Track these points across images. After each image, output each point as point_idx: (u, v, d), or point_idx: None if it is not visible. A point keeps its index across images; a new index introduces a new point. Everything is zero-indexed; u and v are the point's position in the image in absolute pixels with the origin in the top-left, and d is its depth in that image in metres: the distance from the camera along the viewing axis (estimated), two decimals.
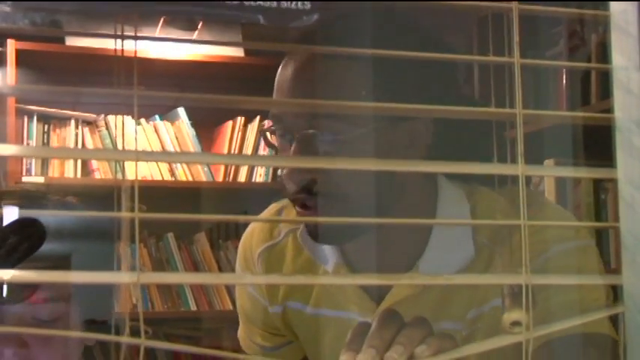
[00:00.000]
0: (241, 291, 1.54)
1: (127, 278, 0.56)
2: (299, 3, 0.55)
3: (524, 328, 0.63)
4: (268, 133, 1.27)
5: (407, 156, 1.22)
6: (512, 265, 1.21)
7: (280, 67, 1.26)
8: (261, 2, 0.54)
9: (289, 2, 0.55)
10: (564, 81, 3.18)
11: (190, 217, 0.62)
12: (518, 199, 1.24)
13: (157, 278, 0.62)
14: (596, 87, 3.02)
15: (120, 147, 3.71)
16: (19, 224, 1.17)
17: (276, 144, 1.26)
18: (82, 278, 0.61)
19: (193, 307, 4.03)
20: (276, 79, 1.26)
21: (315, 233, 1.25)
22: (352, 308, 1.35)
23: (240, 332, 1.58)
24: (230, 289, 4.02)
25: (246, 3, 0.55)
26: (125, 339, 0.58)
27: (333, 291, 1.37)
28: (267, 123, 1.28)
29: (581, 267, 1.22)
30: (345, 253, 1.34)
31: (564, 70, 3.14)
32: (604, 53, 2.96)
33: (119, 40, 0.61)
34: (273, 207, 1.48)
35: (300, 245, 1.40)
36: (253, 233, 1.48)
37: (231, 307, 3.93)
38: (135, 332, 0.59)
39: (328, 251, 1.35)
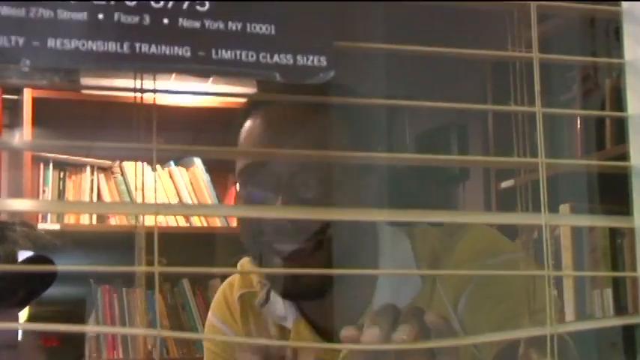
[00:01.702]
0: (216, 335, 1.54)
1: (148, 333, 0.57)
2: (315, 59, 0.55)
3: None
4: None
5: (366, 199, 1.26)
6: (452, 287, 1.25)
7: (248, 122, 1.29)
8: (277, 59, 0.54)
9: (305, 58, 0.56)
10: (579, 125, 3.18)
11: (206, 271, 0.62)
12: (450, 232, 1.26)
13: (177, 335, 0.62)
14: (610, 132, 3.02)
15: (135, 194, 3.72)
16: (30, 261, 1.17)
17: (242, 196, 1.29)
18: (104, 330, 0.61)
19: None
20: (243, 132, 1.29)
21: (291, 289, 1.28)
22: (319, 356, 1.36)
23: None
24: None
25: (262, 60, 0.55)
26: None
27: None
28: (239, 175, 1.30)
29: (511, 278, 1.24)
30: (302, 308, 1.37)
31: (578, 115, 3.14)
32: (618, 98, 2.96)
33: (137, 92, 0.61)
34: (245, 261, 1.50)
35: (258, 311, 1.43)
36: (235, 279, 1.50)
37: None
38: None
39: (288, 309, 1.37)
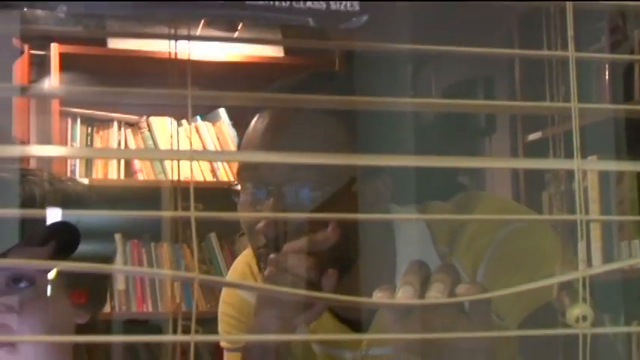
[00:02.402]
0: (237, 301, 1.52)
1: (185, 277, 0.57)
2: (348, 4, 0.55)
3: (589, 323, 0.63)
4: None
5: (373, 211, 1.27)
6: (469, 260, 1.25)
7: (253, 121, 1.29)
8: (310, 4, 0.55)
9: (338, 3, 0.56)
10: (607, 76, 3.16)
11: (242, 215, 0.63)
12: (462, 205, 1.27)
13: (214, 280, 0.62)
14: (639, 81, 3.00)
15: (171, 142, 3.72)
16: (56, 229, 1.17)
17: (239, 199, 1.30)
18: (142, 272, 0.61)
19: None
20: (247, 132, 1.29)
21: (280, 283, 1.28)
22: (341, 344, 1.37)
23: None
24: None
25: (295, 5, 0.55)
26: (175, 338, 0.59)
27: (321, 331, 1.39)
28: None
29: (528, 246, 1.24)
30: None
31: (607, 65, 3.12)
32: None
33: (166, 42, 0.62)
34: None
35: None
36: (242, 265, 1.51)
37: None
38: (185, 330, 0.60)
39: None
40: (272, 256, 1.21)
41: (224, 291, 1.55)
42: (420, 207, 1.33)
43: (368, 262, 1.28)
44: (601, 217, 0.94)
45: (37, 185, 1.25)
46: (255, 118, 1.31)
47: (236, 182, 1.32)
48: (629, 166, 0.78)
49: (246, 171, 1.29)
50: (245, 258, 1.51)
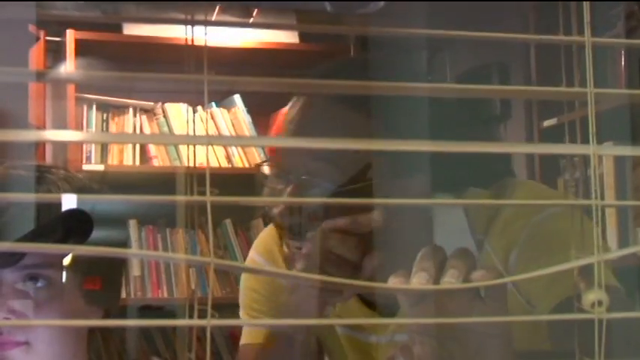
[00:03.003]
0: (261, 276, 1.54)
1: (200, 261, 0.58)
2: None
3: (604, 309, 0.63)
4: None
5: (402, 210, 1.26)
6: (501, 245, 1.25)
7: (288, 107, 1.29)
8: None
9: None
10: (622, 62, 3.14)
11: (257, 201, 0.63)
12: (500, 192, 1.28)
13: (229, 265, 0.63)
14: None
15: (188, 128, 3.73)
16: (68, 216, 1.18)
17: (267, 183, 1.30)
18: (156, 256, 0.62)
19: None
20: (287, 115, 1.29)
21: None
22: (366, 328, 1.37)
23: (248, 337, 1.55)
24: None
25: None
26: (191, 322, 0.59)
27: (346, 313, 1.38)
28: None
29: (560, 231, 1.24)
30: None
31: (622, 51, 3.10)
32: None
33: (181, 28, 0.62)
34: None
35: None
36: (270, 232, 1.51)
37: None
38: (201, 315, 0.60)
39: None
40: (310, 233, 1.21)
41: (247, 261, 1.55)
42: (458, 195, 1.33)
43: (404, 247, 1.28)
44: (616, 202, 0.94)
45: (54, 184, 1.26)
46: (291, 102, 1.31)
47: (265, 162, 1.32)
48: None
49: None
50: (272, 231, 1.51)
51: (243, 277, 1.56)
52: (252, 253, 1.55)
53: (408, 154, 0.88)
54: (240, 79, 0.60)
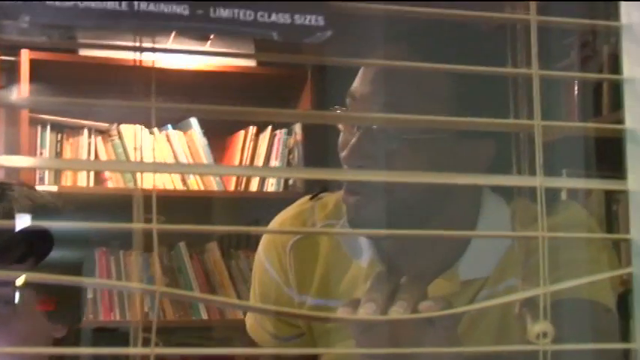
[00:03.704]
0: (262, 276, 1.47)
1: (146, 290, 0.57)
2: (313, 18, 0.55)
3: (549, 340, 0.64)
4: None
5: (466, 171, 1.22)
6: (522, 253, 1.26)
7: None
8: (275, 18, 0.55)
9: (303, 18, 0.56)
10: (576, 92, 3.18)
11: (206, 229, 0.62)
12: (549, 210, 1.27)
13: (176, 294, 0.62)
14: (607, 98, 3.02)
15: (133, 157, 3.72)
16: (28, 234, 1.17)
17: (341, 125, 1.27)
18: (103, 285, 0.61)
19: (205, 316, 4.03)
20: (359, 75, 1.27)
21: (355, 222, 1.24)
22: None
23: (249, 319, 1.54)
24: (241, 299, 4.02)
25: (259, 19, 0.55)
26: (134, 350, 0.59)
27: (360, 290, 1.36)
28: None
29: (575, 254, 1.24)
30: (381, 249, 1.33)
31: (576, 81, 3.14)
32: (616, 64, 2.95)
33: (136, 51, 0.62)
34: (304, 200, 1.46)
35: (336, 238, 1.38)
36: (284, 224, 1.45)
37: (242, 316, 3.93)
38: (147, 341, 0.60)
39: (364, 245, 1.34)
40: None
41: (256, 257, 1.50)
42: (509, 200, 1.32)
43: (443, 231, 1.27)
44: (561, 234, 0.95)
45: (15, 201, 1.25)
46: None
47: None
48: (592, 184, 0.78)
49: (350, 97, 1.26)
50: (302, 207, 1.46)
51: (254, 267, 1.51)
52: (260, 251, 1.48)
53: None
54: (187, 106, 0.60)
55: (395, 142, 1.19)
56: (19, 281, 1.22)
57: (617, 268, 1.28)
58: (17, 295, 1.22)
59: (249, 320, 1.54)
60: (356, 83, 1.26)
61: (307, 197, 1.46)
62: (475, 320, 1.27)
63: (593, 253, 1.27)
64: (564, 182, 0.68)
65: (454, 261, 1.29)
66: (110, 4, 0.55)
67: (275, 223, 1.48)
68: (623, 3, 0.69)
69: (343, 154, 1.24)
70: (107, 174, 3.96)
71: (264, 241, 1.48)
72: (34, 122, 3.87)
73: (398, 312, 0.87)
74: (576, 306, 1.16)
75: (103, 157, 3.99)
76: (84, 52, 3.90)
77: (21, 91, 3.72)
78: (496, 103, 1.02)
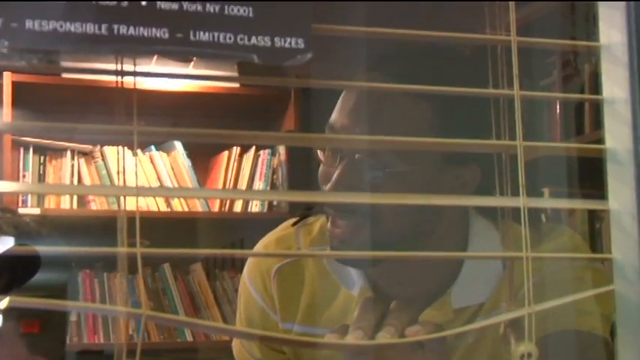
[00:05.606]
0: (248, 301, 1.46)
1: (132, 313, 0.57)
2: (293, 41, 0.56)
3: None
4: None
5: (441, 212, 1.23)
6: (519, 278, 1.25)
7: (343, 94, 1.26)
8: (255, 41, 0.55)
9: (283, 40, 0.56)
10: (558, 111, 3.19)
11: (190, 252, 0.62)
12: (543, 234, 1.26)
13: (162, 318, 0.62)
14: (589, 117, 3.04)
15: (116, 179, 3.71)
16: (10, 263, 1.16)
17: (321, 156, 1.26)
18: (88, 308, 0.61)
19: (189, 338, 4.02)
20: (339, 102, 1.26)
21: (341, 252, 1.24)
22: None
23: (236, 344, 1.52)
24: (227, 321, 4.01)
25: (239, 42, 0.55)
26: None
27: (350, 318, 1.36)
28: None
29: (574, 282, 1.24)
30: (371, 278, 1.32)
31: (558, 100, 3.15)
32: (597, 83, 2.97)
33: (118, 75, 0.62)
34: (287, 225, 1.44)
35: (323, 266, 1.37)
36: (268, 248, 1.43)
37: (228, 338, 3.92)
38: None
39: (355, 274, 1.33)
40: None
41: (241, 281, 1.48)
42: (494, 222, 1.30)
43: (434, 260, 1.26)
44: (545, 254, 0.96)
45: None
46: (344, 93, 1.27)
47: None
48: (575, 204, 0.79)
49: (331, 131, 1.24)
50: (285, 232, 1.44)
51: (240, 292, 1.51)
52: (245, 275, 1.46)
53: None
54: (169, 130, 0.60)
55: (379, 175, 1.19)
56: (2, 305, 1.22)
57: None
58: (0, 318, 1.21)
59: (237, 347, 1.53)
60: (335, 115, 1.25)
61: (290, 222, 1.45)
62: (470, 350, 1.27)
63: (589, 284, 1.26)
64: (547, 202, 0.68)
65: (446, 288, 1.28)
66: (90, 28, 0.55)
67: (258, 248, 1.47)
68: (601, 23, 0.70)
69: (327, 186, 1.23)
70: (91, 196, 3.95)
71: (248, 265, 1.47)
72: (16, 144, 3.86)
73: (385, 337, 0.88)
74: (564, 337, 1.15)
75: (86, 178, 3.98)
76: (67, 75, 3.89)
77: (4, 114, 3.72)
78: (478, 129, 1.02)
